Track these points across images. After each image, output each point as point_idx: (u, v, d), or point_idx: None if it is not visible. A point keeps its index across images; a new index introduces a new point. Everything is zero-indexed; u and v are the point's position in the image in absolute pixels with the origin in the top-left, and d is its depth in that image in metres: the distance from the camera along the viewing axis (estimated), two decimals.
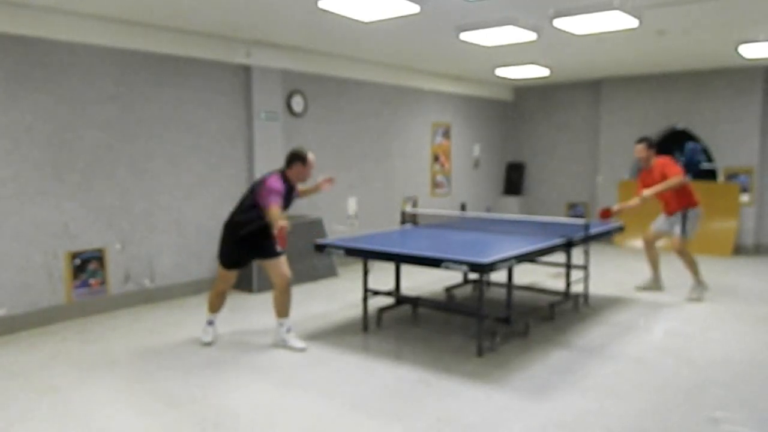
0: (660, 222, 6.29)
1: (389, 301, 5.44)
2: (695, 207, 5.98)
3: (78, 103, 5.39)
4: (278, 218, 4.13)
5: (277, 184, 4.36)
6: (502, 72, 8.75)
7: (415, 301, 5.39)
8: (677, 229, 6.00)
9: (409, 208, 8.55)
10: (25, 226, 5.12)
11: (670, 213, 6.13)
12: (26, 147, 5.09)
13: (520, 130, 11.09)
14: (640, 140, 6.08)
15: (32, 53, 5.09)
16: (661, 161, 5.98)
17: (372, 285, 5.13)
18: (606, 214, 6.05)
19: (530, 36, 5.83)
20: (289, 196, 4.54)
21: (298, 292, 6.49)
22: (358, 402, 3.63)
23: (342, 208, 8.00)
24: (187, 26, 5.84)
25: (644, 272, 7.60)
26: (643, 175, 6.17)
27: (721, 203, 8.78)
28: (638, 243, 9.12)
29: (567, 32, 5.80)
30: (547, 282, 6.69)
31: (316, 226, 7.14)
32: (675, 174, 5.80)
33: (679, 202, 5.97)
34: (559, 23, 5.30)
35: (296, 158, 4.53)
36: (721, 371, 4.11)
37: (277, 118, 6.97)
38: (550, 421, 3.35)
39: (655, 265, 6.40)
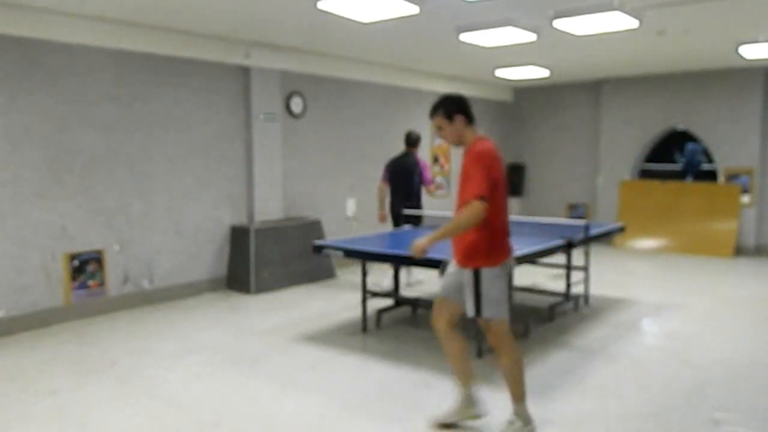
0: (450, 276, 3.25)
1: (388, 302, 5.42)
2: (498, 262, 3.03)
3: (76, 104, 5.38)
4: None
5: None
6: (501, 73, 8.75)
7: (414, 303, 5.38)
8: (470, 302, 3.07)
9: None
10: (23, 228, 5.11)
11: (458, 261, 3.17)
12: (24, 148, 5.08)
13: (520, 131, 11.07)
14: (438, 104, 3.20)
15: (31, 54, 5.08)
16: (478, 147, 3.05)
17: (371, 286, 5.11)
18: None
19: (530, 37, 5.82)
20: None
21: (298, 293, 6.48)
22: (358, 403, 3.61)
23: (341, 210, 7.98)
24: (186, 27, 5.83)
25: (644, 272, 7.59)
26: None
27: (722, 204, 8.77)
28: (646, 243, 9.12)
29: (567, 33, 5.79)
30: (547, 283, 6.67)
31: (314, 227, 7.13)
32: (472, 193, 2.92)
33: (469, 246, 3.05)
34: (559, 24, 5.29)
35: (419, 140, 6.64)
36: (721, 372, 4.10)
37: (276, 119, 6.96)
38: (550, 421, 3.34)
39: (464, 368, 3.25)
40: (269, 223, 6.72)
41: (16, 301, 5.07)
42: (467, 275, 3.05)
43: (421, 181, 6.60)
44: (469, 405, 3.23)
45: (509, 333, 3.12)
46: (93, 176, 5.52)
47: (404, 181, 6.48)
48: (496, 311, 3.04)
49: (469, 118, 3.17)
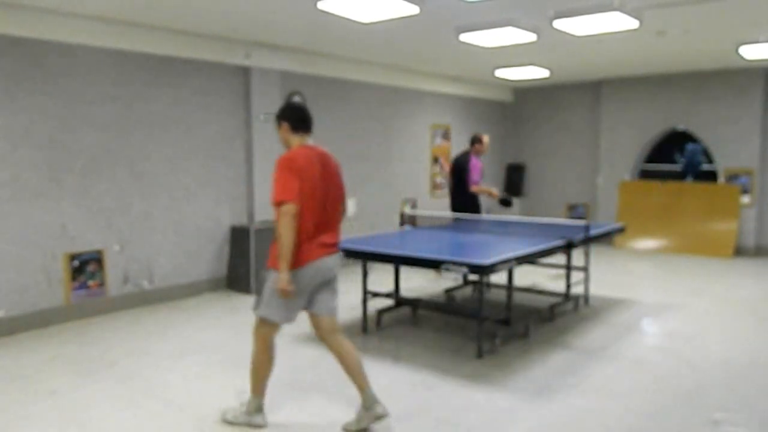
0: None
1: (389, 302, 5.42)
2: (297, 265, 3.09)
3: (76, 104, 5.38)
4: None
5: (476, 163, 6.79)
6: (501, 73, 8.74)
7: (414, 303, 5.38)
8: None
9: (408, 210, 8.54)
10: (23, 228, 5.10)
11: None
12: (24, 148, 5.08)
13: (520, 131, 11.07)
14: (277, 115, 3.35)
15: (30, 54, 5.08)
16: (286, 154, 3.20)
17: (371, 287, 5.11)
18: None
19: (530, 37, 5.81)
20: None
21: None
22: (357, 403, 3.61)
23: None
24: (187, 27, 5.83)
25: (644, 272, 7.59)
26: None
27: (722, 204, 8.77)
28: (647, 244, 9.13)
29: (567, 33, 5.79)
30: (547, 283, 6.67)
31: None
32: (274, 199, 3.08)
33: (276, 249, 3.11)
34: (559, 24, 5.29)
35: (476, 140, 6.90)
36: (721, 372, 4.10)
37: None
38: (550, 422, 3.34)
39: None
40: (269, 223, 6.72)
41: (16, 301, 5.07)
42: (272, 274, 3.14)
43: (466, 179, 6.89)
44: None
45: (269, 336, 3.32)
46: (93, 176, 5.52)
47: (456, 179, 6.93)
48: (269, 313, 3.21)
49: (296, 127, 3.27)
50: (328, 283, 3.28)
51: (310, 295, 3.24)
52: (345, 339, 3.31)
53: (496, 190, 6.97)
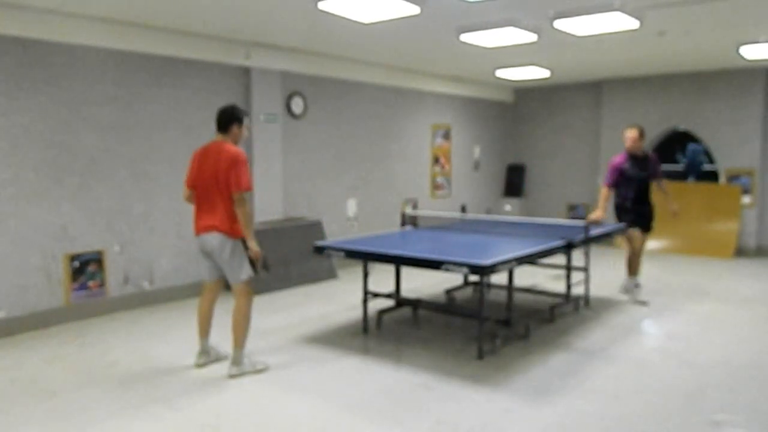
0: None
1: (389, 303, 5.42)
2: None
3: (77, 104, 5.38)
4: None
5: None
6: (502, 73, 8.74)
7: (415, 304, 5.37)
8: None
9: (409, 210, 8.53)
10: (24, 228, 5.10)
11: None
12: (25, 149, 5.08)
13: (521, 131, 11.07)
14: None
15: (31, 55, 5.07)
16: None
17: (372, 287, 5.11)
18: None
19: (531, 37, 5.81)
20: (637, 166, 6.00)
21: (298, 294, 6.48)
22: (358, 404, 3.61)
23: (342, 210, 7.98)
24: (187, 28, 5.83)
25: (644, 273, 7.59)
26: None
27: (723, 205, 8.76)
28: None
29: (568, 33, 5.78)
30: (547, 284, 6.66)
31: (315, 227, 7.13)
32: None
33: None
34: (560, 24, 5.29)
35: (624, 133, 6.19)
36: (722, 374, 4.09)
37: (277, 119, 6.96)
38: (550, 423, 3.33)
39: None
40: (269, 223, 6.71)
41: (16, 302, 5.07)
42: None
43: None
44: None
45: (202, 291, 4.28)
46: (93, 177, 5.52)
47: None
48: None
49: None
50: (216, 257, 4.01)
51: (215, 263, 4.08)
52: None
53: (599, 213, 5.85)
